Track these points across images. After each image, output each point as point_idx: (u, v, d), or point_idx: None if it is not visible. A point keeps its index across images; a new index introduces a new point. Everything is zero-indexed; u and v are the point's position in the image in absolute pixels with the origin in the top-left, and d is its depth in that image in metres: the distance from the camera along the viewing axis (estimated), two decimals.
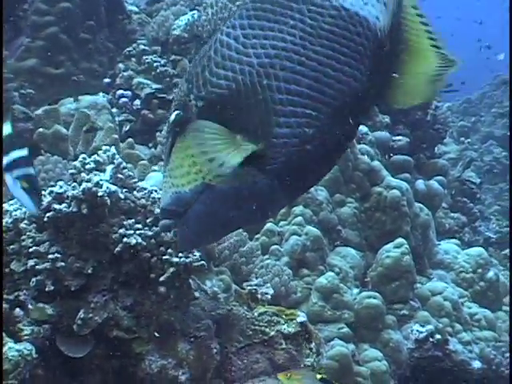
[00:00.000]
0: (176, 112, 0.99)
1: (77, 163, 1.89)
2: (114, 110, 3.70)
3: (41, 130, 2.89)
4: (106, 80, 3.92)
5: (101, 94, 3.81)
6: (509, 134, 7.34)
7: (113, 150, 1.99)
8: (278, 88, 0.95)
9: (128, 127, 3.70)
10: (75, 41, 3.75)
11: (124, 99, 3.76)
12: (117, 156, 1.98)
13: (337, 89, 0.97)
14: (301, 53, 0.96)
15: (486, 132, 8.79)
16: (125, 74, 3.84)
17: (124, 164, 2.00)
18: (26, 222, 1.91)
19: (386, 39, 1.01)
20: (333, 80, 0.97)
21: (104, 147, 1.99)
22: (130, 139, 3.16)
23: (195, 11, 4.12)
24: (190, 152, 0.99)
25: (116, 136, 3.04)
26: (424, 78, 1.02)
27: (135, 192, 2.01)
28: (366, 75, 0.99)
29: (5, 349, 1.66)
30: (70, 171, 1.88)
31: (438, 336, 2.93)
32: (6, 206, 1.99)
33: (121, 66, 3.92)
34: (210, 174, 0.97)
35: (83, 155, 1.95)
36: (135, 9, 4.48)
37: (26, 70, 3.59)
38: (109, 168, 1.94)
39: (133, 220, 1.94)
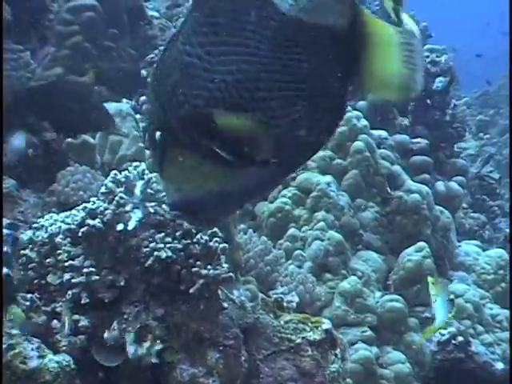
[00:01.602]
0: (158, 133, 0.96)
1: (108, 182, 1.95)
2: (138, 116, 3.77)
3: (69, 140, 2.97)
4: None
5: (124, 100, 3.89)
6: None
7: (142, 165, 2.05)
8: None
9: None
10: (99, 49, 3.82)
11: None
12: (146, 171, 2.05)
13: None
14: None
15: (504, 125, 8.76)
16: (148, 80, 3.91)
17: (153, 179, 2.06)
18: (61, 236, 1.99)
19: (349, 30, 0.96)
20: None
21: (134, 163, 2.06)
22: None
23: None
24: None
25: (141, 144, 3.12)
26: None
27: (164, 206, 2.07)
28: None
29: (45, 360, 1.74)
30: (102, 190, 1.95)
31: (460, 338, 2.97)
32: (41, 221, 2.07)
33: (144, 72, 3.99)
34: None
35: (114, 171, 2.02)
36: (156, 14, 4.54)
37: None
38: (139, 184, 2.01)
39: (163, 234, 2.00)
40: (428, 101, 4.39)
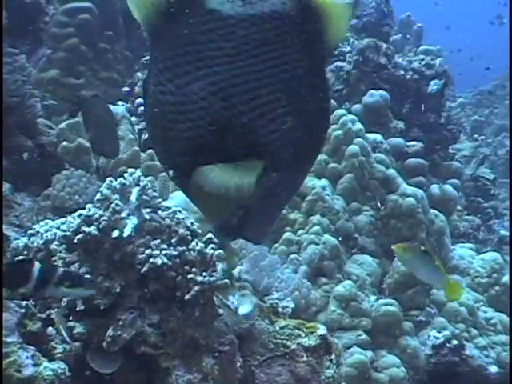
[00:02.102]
0: (171, 172, 0.97)
1: (104, 189, 1.95)
2: (133, 118, 3.78)
3: (64, 143, 2.97)
4: (125, 89, 3.99)
5: (120, 102, 3.89)
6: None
7: (138, 172, 2.05)
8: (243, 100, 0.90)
9: (147, 135, 3.77)
10: (94, 51, 3.82)
11: (143, 107, 3.83)
12: (142, 178, 2.05)
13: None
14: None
15: (499, 125, 8.79)
16: None
17: (149, 185, 2.06)
18: (56, 243, 1.99)
19: (301, 13, 0.94)
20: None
21: (130, 170, 2.06)
22: (151, 150, 3.23)
23: None
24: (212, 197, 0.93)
25: (137, 148, 3.12)
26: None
27: (160, 212, 2.08)
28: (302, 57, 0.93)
29: (40, 368, 1.74)
30: (98, 197, 1.95)
31: (454, 341, 2.98)
32: (37, 227, 2.07)
33: (139, 74, 3.99)
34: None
35: (110, 178, 2.02)
36: None
37: (48, 81, 3.67)
38: (135, 191, 2.01)
39: (158, 240, 2.01)
40: (423, 106, 4.40)
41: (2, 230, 1.99)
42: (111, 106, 3.55)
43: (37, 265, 1.56)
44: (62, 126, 3.04)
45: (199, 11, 0.92)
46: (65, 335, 1.82)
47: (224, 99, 0.89)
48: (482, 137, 7.61)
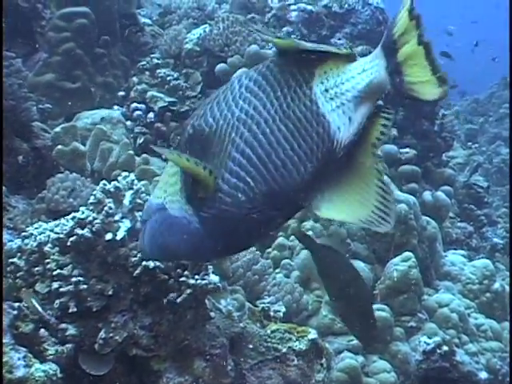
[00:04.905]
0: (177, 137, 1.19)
1: (97, 192, 1.97)
2: (129, 122, 3.79)
3: (59, 147, 2.98)
4: (121, 93, 4.01)
5: (115, 107, 3.91)
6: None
7: (132, 176, 2.07)
8: (237, 146, 1.09)
9: (142, 140, 3.79)
10: (91, 55, 3.84)
11: (138, 112, 3.85)
12: (135, 182, 2.07)
13: (279, 172, 1.07)
14: (268, 124, 1.08)
15: (493, 133, 8.82)
16: (139, 87, 3.93)
17: (142, 189, 2.08)
18: (49, 245, 2.00)
19: (339, 152, 1.08)
20: (280, 162, 1.07)
21: (123, 173, 2.08)
22: (145, 154, 3.25)
23: (207, 25, 4.20)
24: (168, 172, 1.18)
25: (131, 152, 3.13)
26: (355, 206, 1.09)
27: None
28: (308, 173, 1.08)
29: (32, 370, 1.75)
30: (91, 200, 1.97)
31: (445, 347, 2.99)
32: (30, 229, 2.08)
33: (135, 79, 4.01)
34: (168, 196, 1.16)
35: (103, 181, 2.03)
36: (148, 21, 4.56)
37: (44, 85, 3.68)
38: (128, 194, 2.03)
39: None
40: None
41: (1, 232, 2.00)
42: (106, 111, 3.59)
43: None
44: (58, 129, 3.05)
45: None
46: (38, 308, 1.83)
47: (243, 124, 1.12)
48: (476, 145, 7.65)
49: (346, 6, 4.81)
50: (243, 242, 1.18)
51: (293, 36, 4.35)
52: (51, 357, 1.88)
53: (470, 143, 7.53)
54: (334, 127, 1.08)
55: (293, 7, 4.54)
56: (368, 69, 1.09)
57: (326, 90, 1.09)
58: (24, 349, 1.79)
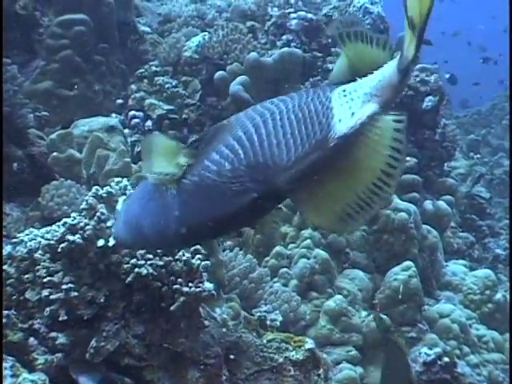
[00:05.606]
0: None
1: (89, 198, 1.93)
2: (126, 130, 3.77)
3: (55, 154, 2.95)
4: (119, 101, 3.99)
5: (113, 114, 3.88)
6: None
7: (125, 181, 2.03)
8: (243, 125, 1.14)
9: (140, 148, 3.76)
10: (89, 63, 3.82)
11: (136, 120, 3.83)
12: (129, 187, 2.03)
13: (272, 150, 1.10)
14: (281, 112, 1.13)
15: (496, 144, 8.79)
16: (137, 95, 3.91)
17: None
18: (40, 252, 1.96)
19: (330, 142, 1.08)
20: (276, 141, 1.10)
21: (116, 179, 2.04)
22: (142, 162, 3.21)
23: (206, 33, 4.19)
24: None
25: (128, 159, 3.10)
26: (341, 208, 1.07)
27: None
28: (297, 158, 1.08)
29: (19, 379, 1.71)
30: (83, 206, 1.93)
31: (445, 359, 2.94)
32: (21, 236, 2.04)
33: (133, 87, 3.99)
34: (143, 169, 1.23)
35: (96, 187, 2.00)
36: (148, 29, 4.55)
37: (41, 92, 3.66)
38: (121, 199, 1.99)
39: (144, 250, 1.98)
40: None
41: (1, 232, 1.97)
42: (104, 118, 3.56)
43: None
44: (53, 136, 3.03)
45: None
46: None
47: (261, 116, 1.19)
48: (478, 155, 7.61)
49: (347, 14, 4.79)
50: (215, 218, 1.15)
51: (292, 44, 4.32)
52: (40, 366, 1.84)
53: (472, 153, 7.49)
54: (335, 119, 1.09)
55: (293, 15, 4.51)
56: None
57: (344, 91, 1.12)
58: (11, 358, 1.74)
